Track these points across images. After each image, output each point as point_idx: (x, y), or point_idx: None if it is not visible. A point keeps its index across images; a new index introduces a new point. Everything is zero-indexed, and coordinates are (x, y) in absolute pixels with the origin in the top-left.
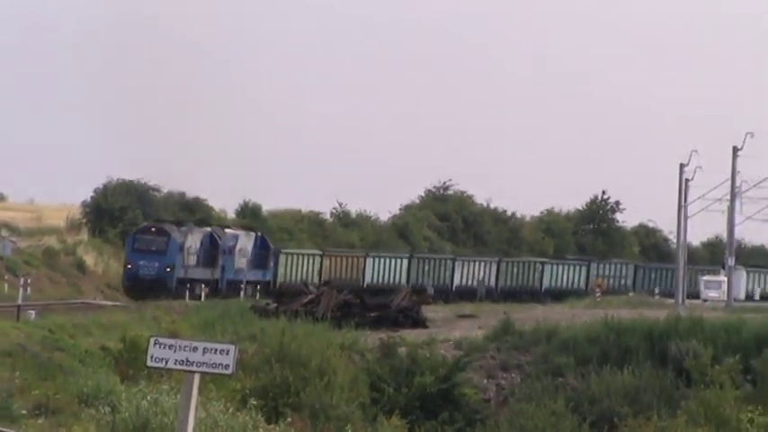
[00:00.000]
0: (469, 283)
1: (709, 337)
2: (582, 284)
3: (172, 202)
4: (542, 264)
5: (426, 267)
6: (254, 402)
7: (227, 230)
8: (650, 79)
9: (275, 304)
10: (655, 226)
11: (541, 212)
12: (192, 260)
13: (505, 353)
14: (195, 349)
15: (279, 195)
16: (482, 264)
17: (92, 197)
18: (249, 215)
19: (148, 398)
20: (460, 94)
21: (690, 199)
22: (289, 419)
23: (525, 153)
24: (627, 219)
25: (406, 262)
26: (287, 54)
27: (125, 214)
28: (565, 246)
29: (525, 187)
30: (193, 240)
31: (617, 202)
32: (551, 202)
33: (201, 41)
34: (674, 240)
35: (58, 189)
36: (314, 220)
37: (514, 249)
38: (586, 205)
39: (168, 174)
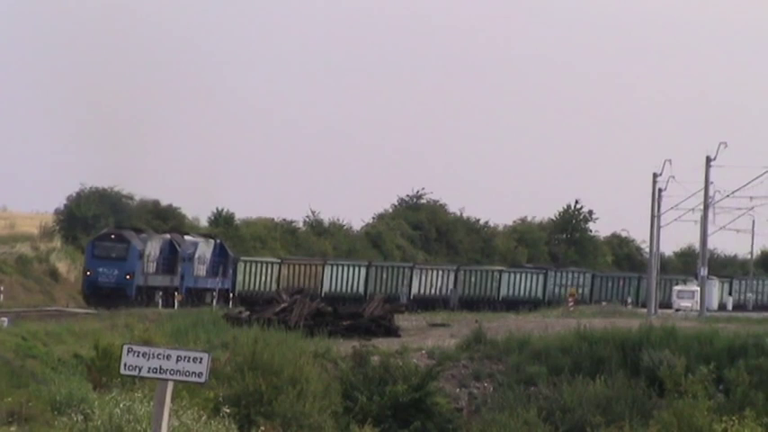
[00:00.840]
0: (428, 291)
1: (681, 346)
2: (539, 293)
3: (145, 210)
4: (500, 272)
5: (384, 276)
6: (227, 410)
7: (186, 237)
8: (624, 89)
9: (248, 312)
10: (628, 235)
11: (514, 222)
12: (152, 267)
13: (478, 362)
14: (168, 357)
15: (252, 204)
16: (440, 272)
17: (65, 205)
18: (222, 223)
19: (121, 405)
20: (434, 103)
21: (663, 209)
22: (261, 428)
23: (498, 162)
24: (600, 228)
25: (364, 270)
26: (261, 62)
27: (98, 222)
28: (538, 255)
29: (498, 196)
30: (153, 247)
31: (590, 212)
32: (524, 212)
33: (177, 49)
34: (647, 250)
35: (31, 197)
36: (287, 228)
37: (487, 258)
38: (559, 215)
39: (141, 182)
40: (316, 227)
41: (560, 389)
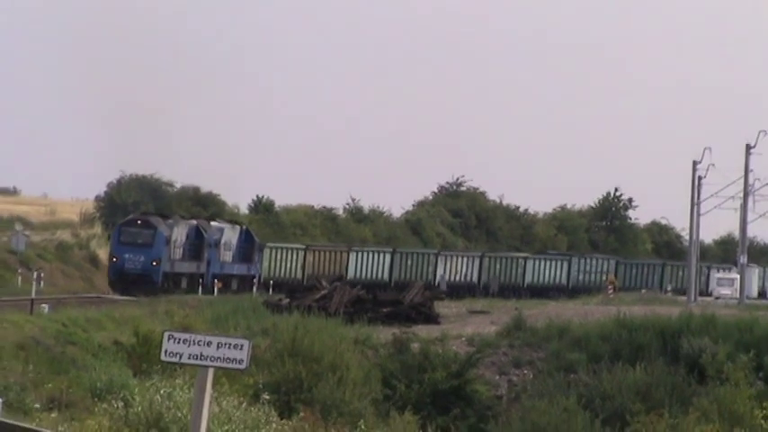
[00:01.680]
0: (453, 278)
1: (721, 334)
2: (563, 280)
3: (185, 197)
4: (524, 259)
5: (409, 262)
6: (267, 397)
7: (212, 223)
8: (664, 76)
9: (288, 299)
10: (667, 223)
11: (554, 209)
12: (178, 253)
13: (518, 349)
14: (209, 344)
15: (292, 191)
16: (465, 259)
17: (105, 192)
18: (262, 210)
19: (162, 392)
20: (474, 90)
21: (702, 196)
22: (301, 414)
23: (538, 150)
24: (639, 216)
25: (389, 257)
26: (301, 50)
27: (138, 208)
28: (578, 242)
29: (538, 184)
30: (179, 233)
31: (630, 200)
32: (564, 199)
33: (215, 38)
34: (687, 238)
35: (71, 183)
36: (327, 215)
37: (526, 246)
38: (599, 202)
39: (181, 169)
40: (356, 214)
41: (600, 376)
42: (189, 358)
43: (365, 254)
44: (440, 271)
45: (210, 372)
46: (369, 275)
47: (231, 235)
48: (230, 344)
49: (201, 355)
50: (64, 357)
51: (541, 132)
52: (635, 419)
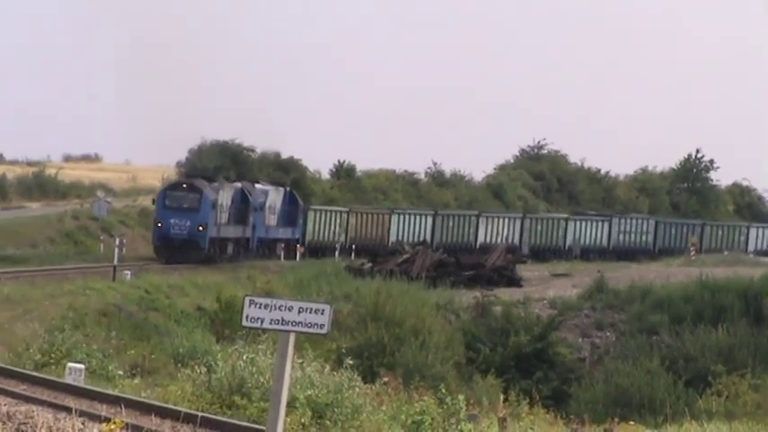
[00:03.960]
0: (494, 240)
1: None
2: (604, 241)
3: (266, 163)
4: (565, 220)
5: (450, 224)
6: (350, 362)
7: (256, 186)
8: (745, 34)
9: (370, 264)
10: (749, 184)
11: (636, 171)
12: (224, 218)
13: (600, 312)
14: (290, 309)
15: (374, 155)
16: (506, 220)
17: (186, 158)
18: (344, 175)
19: (245, 357)
20: (554, 53)
21: None
22: (384, 379)
23: (620, 112)
24: (721, 178)
25: (430, 219)
26: (383, 20)
27: (219, 174)
28: (659, 205)
29: (619, 146)
30: (225, 197)
31: (711, 161)
32: (646, 161)
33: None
34: None
35: (153, 150)
36: (408, 180)
37: (608, 209)
38: (680, 164)
39: (263, 134)
40: (437, 178)
41: (682, 338)
42: (270, 323)
43: (407, 216)
44: (481, 233)
45: (292, 337)
46: (411, 238)
47: (275, 197)
48: (311, 308)
49: (283, 320)
50: (146, 324)
51: (623, 94)
52: (717, 381)
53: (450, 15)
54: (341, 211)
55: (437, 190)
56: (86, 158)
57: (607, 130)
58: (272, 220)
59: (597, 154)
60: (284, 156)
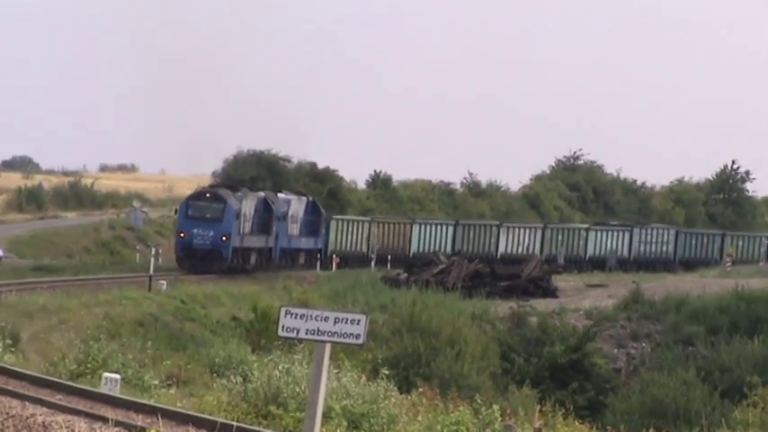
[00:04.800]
0: (515, 250)
1: None
2: (625, 251)
3: (302, 173)
4: (586, 230)
5: (471, 234)
6: (386, 372)
7: (279, 195)
8: None
9: (405, 274)
10: None
11: (671, 182)
12: (247, 227)
13: (636, 322)
14: (326, 319)
15: (410, 165)
16: (527, 231)
17: (222, 167)
18: (380, 185)
19: (280, 367)
20: (590, 64)
21: None
22: (420, 389)
23: (656, 123)
24: (757, 189)
25: (451, 229)
26: (418, 33)
27: (255, 184)
28: (695, 215)
29: (655, 157)
30: (248, 206)
31: (747, 172)
32: (682, 172)
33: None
34: None
35: (188, 159)
36: (444, 190)
37: (644, 219)
38: (716, 175)
39: (299, 144)
40: (473, 188)
41: (718, 349)
42: (306, 333)
43: (428, 226)
44: (502, 243)
45: (327, 347)
46: (431, 248)
47: (298, 207)
48: (347, 319)
49: (318, 330)
50: (182, 334)
51: (659, 105)
52: (753, 392)
53: (487, 27)
54: (363, 221)
55: (473, 200)
56: (122, 168)
57: (643, 141)
58: (294, 229)
59: (633, 164)
60: (320, 166)
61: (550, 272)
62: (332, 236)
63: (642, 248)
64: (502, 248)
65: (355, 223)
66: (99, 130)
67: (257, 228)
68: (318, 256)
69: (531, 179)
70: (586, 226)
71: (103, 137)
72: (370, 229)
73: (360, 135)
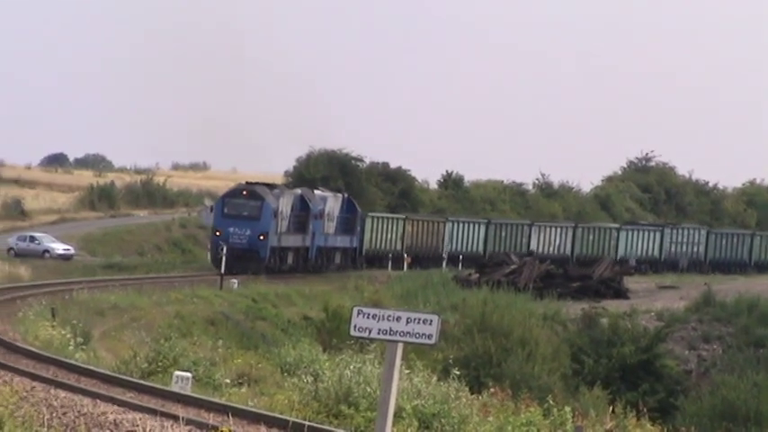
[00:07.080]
0: (546, 249)
1: None
2: (656, 252)
3: (374, 173)
4: (617, 230)
5: (503, 233)
6: (457, 372)
7: (315, 192)
8: None
9: (477, 275)
10: None
11: (744, 184)
12: (284, 226)
13: (707, 324)
14: (398, 319)
15: (482, 166)
16: (558, 230)
17: (294, 167)
18: (451, 186)
19: (351, 367)
20: (661, 65)
21: None
22: (491, 390)
23: (728, 124)
24: None
25: (483, 228)
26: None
27: (327, 183)
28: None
29: (728, 159)
30: (286, 204)
31: None
32: (754, 174)
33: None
34: None
35: (260, 158)
36: (516, 190)
37: (716, 221)
38: None
39: (371, 144)
40: (545, 189)
41: None
42: (378, 333)
43: (460, 224)
44: (533, 242)
45: (399, 347)
46: (464, 246)
47: (334, 204)
48: (419, 319)
49: (391, 330)
50: (253, 332)
51: (732, 108)
52: None
53: (563, 29)
54: (398, 219)
55: (545, 201)
56: (194, 167)
57: (716, 143)
58: (330, 227)
59: (705, 166)
60: (392, 166)
61: (622, 273)
62: (367, 234)
63: (673, 249)
64: (533, 247)
65: (390, 221)
66: (172, 128)
67: (294, 226)
68: (353, 254)
69: (602, 180)
70: (617, 226)
71: (176, 135)
72: (404, 227)
73: (432, 136)
